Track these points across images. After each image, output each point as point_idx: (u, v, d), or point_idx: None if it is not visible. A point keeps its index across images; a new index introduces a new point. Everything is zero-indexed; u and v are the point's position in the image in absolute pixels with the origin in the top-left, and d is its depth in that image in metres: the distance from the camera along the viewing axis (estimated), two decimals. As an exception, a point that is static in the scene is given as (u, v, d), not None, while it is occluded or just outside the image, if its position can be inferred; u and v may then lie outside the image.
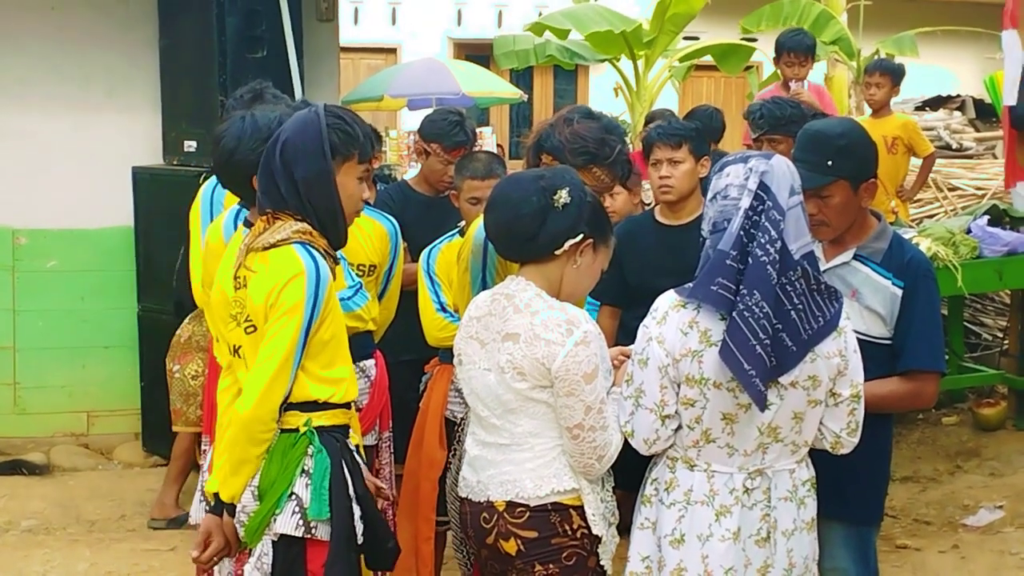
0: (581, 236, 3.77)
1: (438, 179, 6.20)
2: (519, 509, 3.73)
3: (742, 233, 3.55)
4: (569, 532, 3.71)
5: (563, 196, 3.74)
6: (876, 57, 13.78)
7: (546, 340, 3.64)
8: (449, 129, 6.18)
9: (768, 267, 3.52)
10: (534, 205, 3.74)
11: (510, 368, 3.70)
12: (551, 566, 3.71)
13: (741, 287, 3.51)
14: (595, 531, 3.73)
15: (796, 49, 8.26)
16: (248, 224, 4.27)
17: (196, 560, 3.86)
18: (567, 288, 3.82)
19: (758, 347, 3.50)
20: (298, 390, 3.71)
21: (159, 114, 8.19)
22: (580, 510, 3.73)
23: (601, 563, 3.79)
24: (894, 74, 8.74)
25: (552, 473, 3.72)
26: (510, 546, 3.74)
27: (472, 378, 3.86)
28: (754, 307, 3.50)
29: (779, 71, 8.53)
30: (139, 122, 8.29)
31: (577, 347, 3.63)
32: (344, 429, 3.86)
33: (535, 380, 3.67)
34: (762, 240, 3.53)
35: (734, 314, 3.50)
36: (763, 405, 3.56)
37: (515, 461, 3.75)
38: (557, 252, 3.76)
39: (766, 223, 3.54)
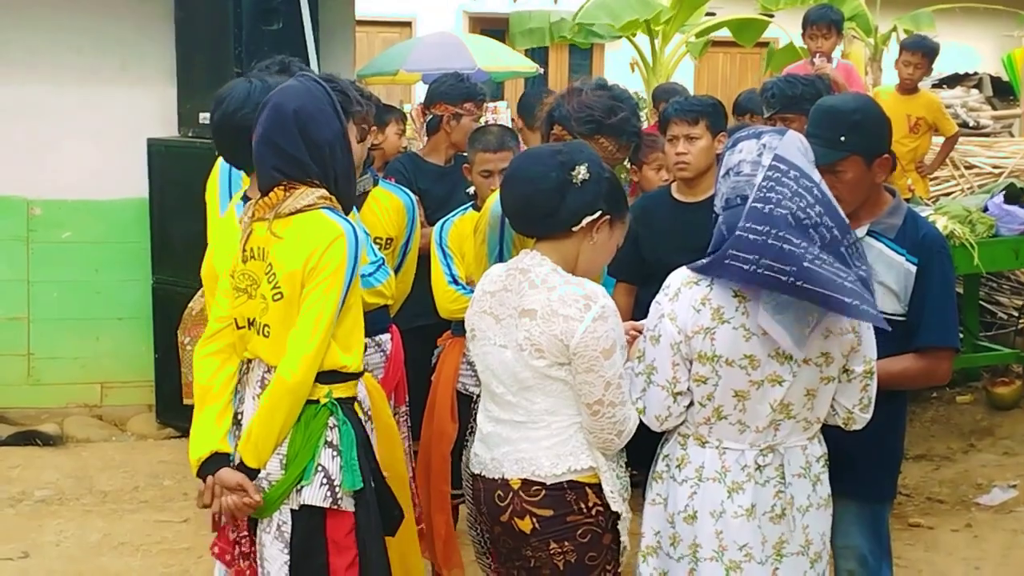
0: (599, 213, 3.74)
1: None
2: (535, 487, 3.70)
3: (755, 204, 3.49)
4: (584, 510, 3.70)
5: (582, 172, 3.70)
6: (892, 34, 13.74)
7: (564, 316, 3.61)
8: (471, 87, 6.32)
9: (811, 231, 3.46)
10: (553, 181, 3.70)
11: (528, 345, 3.66)
12: (566, 543, 3.69)
13: (799, 242, 3.42)
14: (614, 508, 3.72)
15: (819, 21, 8.22)
16: (246, 199, 4.23)
17: (226, 506, 3.81)
18: (583, 264, 3.79)
19: (846, 282, 3.43)
20: (327, 357, 3.72)
21: (174, 86, 8.20)
22: (596, 488, 3.70)
23: (620, 539, 3.78)
24: (932, 56, 8.69)
25: (569, 451, 3.69)
26: (525, 524, 3.72)
27: (487, 354, 3.83)
28: (822, 255, 3.43)
29: (806, 46, 8.49)
30: (154, 94, 8.31)
31: (595, 323, 3.60)
32: (354, 400, 3.87)
33: (553, 357, 3.64)
34: (801, 203, 3.48)
35: (806, 264, 3.40)
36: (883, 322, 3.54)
37: (531, 439, 3.73)
38: (575, 229, 3.72)
39: (800, 189, 3.49)
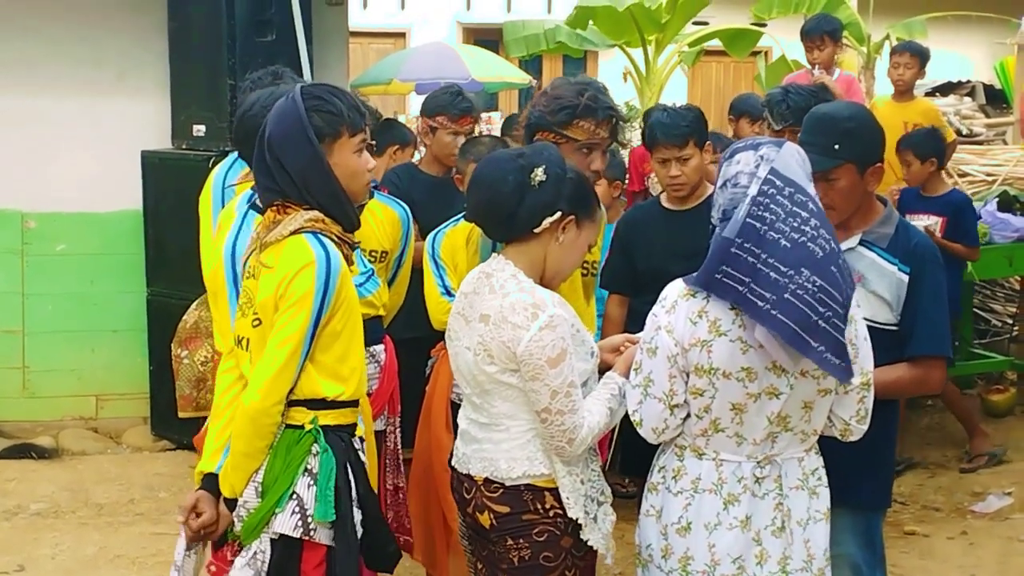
0: (560, 213, 3.75)
1: (448, 152, 6.22)
2: (494, 485, 3.76)
3: (750, 220, 3.51)
4: (541, 511, 3.72)
5: (539, 174, 3.72)
6: (886, 42, 13.77)
7: (512, 323, 3.63)
8: (451, 100, 6.27)
9: (810, 244, 3.47)
10: (510, 184, 3.72)
11: (481, 350, 3.71)
12: (521, 541, 3.72)
13: (786, 268, 3.45)
14: (570, 514, 3.72)
15: (812, 32, 8.27)
16: (255, 207, 4.24)
17: (185, 526, 3.81)
18: (552, 266, 3.81)
19: (820, 321, 3.45)
20: (306, 385, 3.66)
21: (168, 98, 8.19)
22: (554, 492, 3.72)
23: (588, 543, 3.77)
24: (922, 56, 8.69)
25: (526, 456, 3.72)
26: (484, 519, 3.77)
27: (457, 355, 3.87)
28: (806, 283, 3.44)
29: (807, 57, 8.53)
30: (148, 106, 8.31)
31: (542, 331, 3.60)
32: (350, 428, 3.81)
33: (503, 363, 3.67)
34: (795, 223, 3.48)
35: (786, 295, 3.43)
36: (848, 375, 3.55)
37: (493, 440, 3.77)
38: (536, 230, 3.75)
39: (794, 207, 3.50)
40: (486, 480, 3.77)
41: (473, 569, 4.09)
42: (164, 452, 8.16)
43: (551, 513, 3.72)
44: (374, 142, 5.24)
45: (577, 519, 3.73)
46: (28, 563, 6.35)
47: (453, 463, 3.96)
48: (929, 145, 7.60)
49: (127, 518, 7.06)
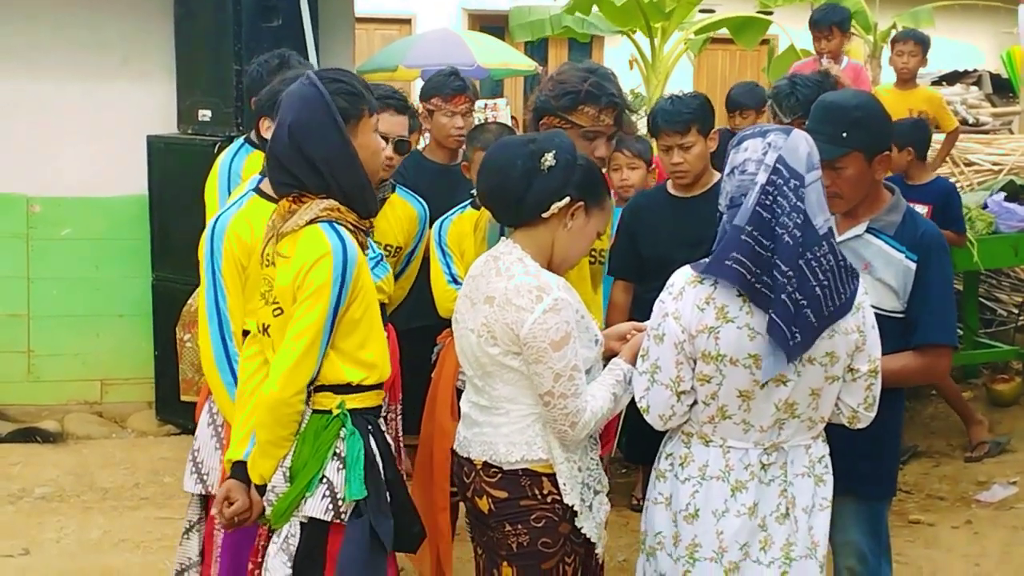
0: (568, 199, 3.75)
1: (447, 134, 6.21)
2: (493, 469, 3.76)
3: (759, 209, 3.51)
4: (539, 496, 3.73)
5: (548, 159, 3.72)
6: (892, 31, 13.74)
7: (516, 306, 3.63)
8: (444, 80, 6.25)
9: (795, 241, 3.49)
10: (519, 169, 3.73)
11: (485, 331, 3.71)
12: (519, 527, 3.73)
13: (786, 268, 3.46)
14: (567, 501, 3.73)
15: (820, 23, 8.27)
16: (260, 192, 4.23)
17: (219, 515, 3.84)
18: (559, 252, 3.81)
19: (793, 328, 3.51)
20: (330, 371, 3.68)
21: (174, 83, 8.21)
22: (552, 477, 3.73)
23: (582, 531, 3.78)
24: (924, 44, 8.69)
25: (525, 440, 3.73)
26: (483, 504, 3.79)
27: (461, 337, 3.88)
28: (805, 286, 3.48)
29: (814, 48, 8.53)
30: (154, 91, 8.32)
31: (546, 314, 3.61)
32: (376, 411, 3.83)
33: (506, 345, 3.67)
34: (798, 219, 3.48)
35: (783, 296, 3.46)
36: (775, 368, 3.55)
37: (493, 424, 3.78)
38: (544, 215, 3.74)
39: (798, 202, 3.49)
40: (485, 464, 3.78)
41: (474, 555, 4.09)
42: (169, 436, 8.17)
43: (549, 499, 3.73)
44: (408, 138, 5.25)
45: (573, 506, 3.74)
46: (33, 547, 6.36)
47: (454, 447, 3.98)
48: (910, 135, 7.56)
49: (132, 502, 7.07)
